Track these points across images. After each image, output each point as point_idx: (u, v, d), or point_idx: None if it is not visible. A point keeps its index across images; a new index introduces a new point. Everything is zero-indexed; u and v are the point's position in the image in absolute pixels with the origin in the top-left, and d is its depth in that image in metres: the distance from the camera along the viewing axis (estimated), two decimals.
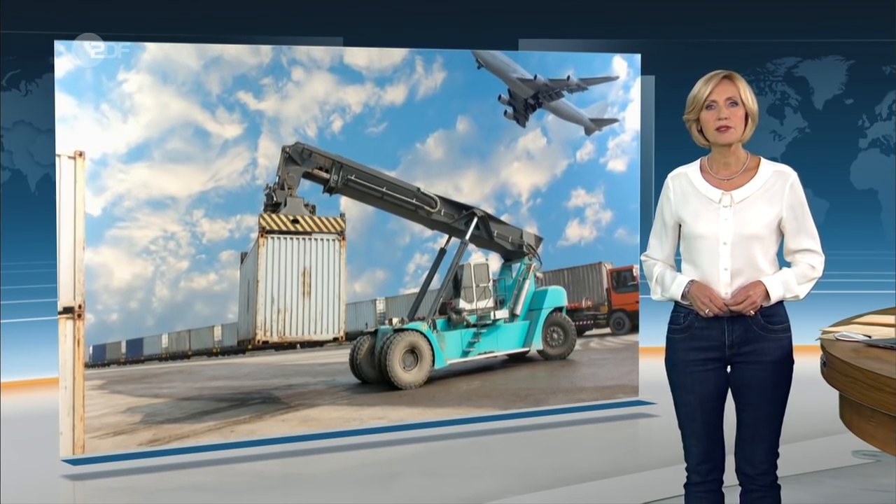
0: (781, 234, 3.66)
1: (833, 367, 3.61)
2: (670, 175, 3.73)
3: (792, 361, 3.65)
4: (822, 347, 3.76)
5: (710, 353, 3.62)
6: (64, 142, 5.66)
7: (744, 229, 3.57)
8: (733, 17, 10.71)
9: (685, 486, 3.77)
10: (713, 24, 10.74)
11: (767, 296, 3.56)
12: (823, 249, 3.67)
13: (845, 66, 11.27)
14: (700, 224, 3.62)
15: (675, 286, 3.64)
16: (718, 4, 10.69)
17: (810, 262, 3.62)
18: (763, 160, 3.65)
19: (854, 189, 11.28)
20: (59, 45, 5.64)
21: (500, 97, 6.67)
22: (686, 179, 3.68)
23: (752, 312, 3.56)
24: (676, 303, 3.68)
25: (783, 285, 3.58)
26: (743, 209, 3.58)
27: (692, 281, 3.62)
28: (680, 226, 3.71)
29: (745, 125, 3.60)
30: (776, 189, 3.59)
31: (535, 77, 6.73)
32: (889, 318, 4.04)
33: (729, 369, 3.66)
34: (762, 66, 11.01)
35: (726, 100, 3.57)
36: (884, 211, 11.18)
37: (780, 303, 3.62)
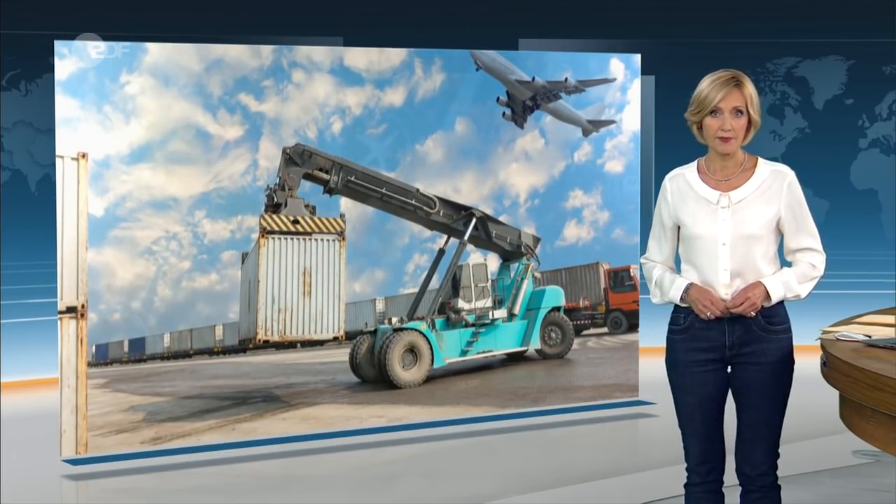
0: (781, 234, 3.65)
1: (833, 367, 3.61)
2: (668, 176, 3.73)
3: (792, 362, 3.65)
4: (822, 347, 3.77)
5: (711, 353, 3.63)
6: (65, 143, 5.66)
7: (742, 230, 3.57)
8: (733, 17, 10.71)
9: (685, 486, 3.78)
10: (713, 24, 10.74)
11: (768, 296, 3.57)
12: (824, 248, 3.67)
13: (845, 66, 11.27)
14: (698, 225, 3.61)
15: (674, 290, 3.64)
16: (718, 4, 10.70)
17: (811, 260, 3.62)
18: (760, 160, 3.65)
19: (854, 189, 11.29)
20: (59, 46, 5.65)
21: (498, 99, 6.68)
22: (683, 180, 3.67)
23: (753, 314, 3.56)
24: (676, 303, 3.69)
25: (783, 285, 3.58)
26: (741, 210, 3.58)
27: (691, 284, 3.62)
28: (679, 227, 3.71)
29: (747, 132, 3.60)
30: (774, 189, 3.58)
31: (534, 79, 6.74)
32: (889, 318, 4.05)
33: (729, 370, 3.67)
34: (762, 66, 11.01)
35: (733, 109, 3.54)
36: (884, 211, 11.18)
37: (781, 303, 3.62)
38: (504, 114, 6.70)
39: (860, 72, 11.27)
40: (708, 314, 3.56)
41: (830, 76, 11.26)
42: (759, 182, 3.59)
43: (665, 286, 3.68)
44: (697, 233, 3.61)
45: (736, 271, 3.58)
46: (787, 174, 3.60)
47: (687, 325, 3.64)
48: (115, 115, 5.77)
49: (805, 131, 11.33)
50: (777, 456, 3.66)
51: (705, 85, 3.57)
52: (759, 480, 3.64)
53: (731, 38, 10.53)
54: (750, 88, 3.58)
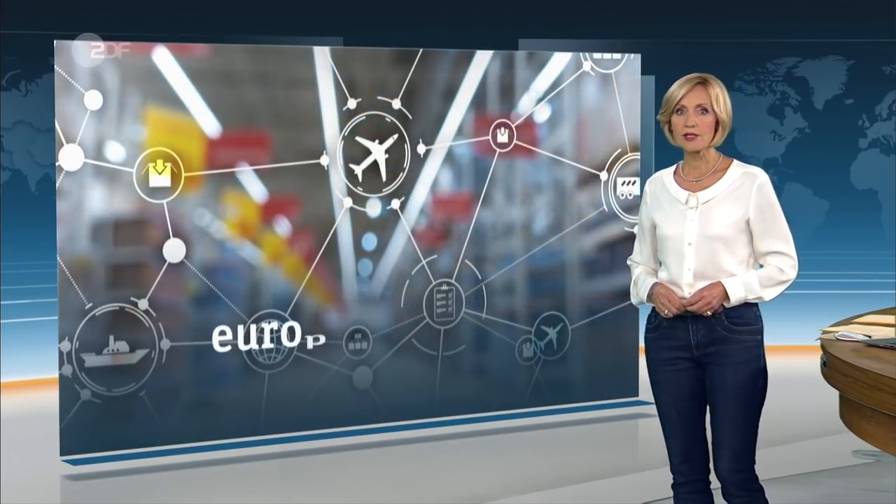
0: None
1: (833, 367, 3.62)
2: (648, 180, 3.81)
3: (760, 364, 3.61)
4: (822, 347, 3.78)
5: (680, 352, 3.67)
6: (65, 143, 5.67)
7: (707, 230, 3.60)
8: (733, 17, 10.70)
9: (672, 486, 3.78)
10: (713, 24, 10.73)
11: (727, 296, 3.56)
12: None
13: (845, 66, 11.26)
14: (669, 226, 3.68)
15: (643, 289, 3.73)
16: (718, 4, 10.69)
17: (779, 264, 3.62)
18: (735, 162, 3.68)
19: (854, 189, 11.27)
20: (59, 46, 5.65)
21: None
22: (660, 183, 3.74)
23: (709, 313, 3.58)
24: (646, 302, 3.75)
25: (744, 287, 3.58)
26: (707, 210, 3.62)
27: (657, 283, 3.68)
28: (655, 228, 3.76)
29: (716, 132, 3.63)
30: (743, 190, 3.60)
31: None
32: (889, 318, 4.06)
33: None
34: (762, 66, 11.00)
35: (696, 107, 3.61)
36: (884, 211, 11.17)
37: (749, 304, 3.62)
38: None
39: (860, 72, 11.26)
40: (666, 312, 3.61)
41: (830, 76, 11.25)
42: (729, 183, 3.62)
43: (639, 286, 3.74)
44: (667, 233, 3.66)
45: (700, 271, 3.61)
46: (757, 176, 3.62)
47: (657, 323, 3.70)
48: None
49: (805, 131, 11.32)
50: (750, 461, 3.62)
51: (673, 85, 3.65)
52: (732, 485, 3.63)
53: (731, 38, 10.52)
54: (717, 89, 3.63)
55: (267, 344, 6.10)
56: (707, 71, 3.68)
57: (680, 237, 3.64)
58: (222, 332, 6.00)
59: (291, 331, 6.16)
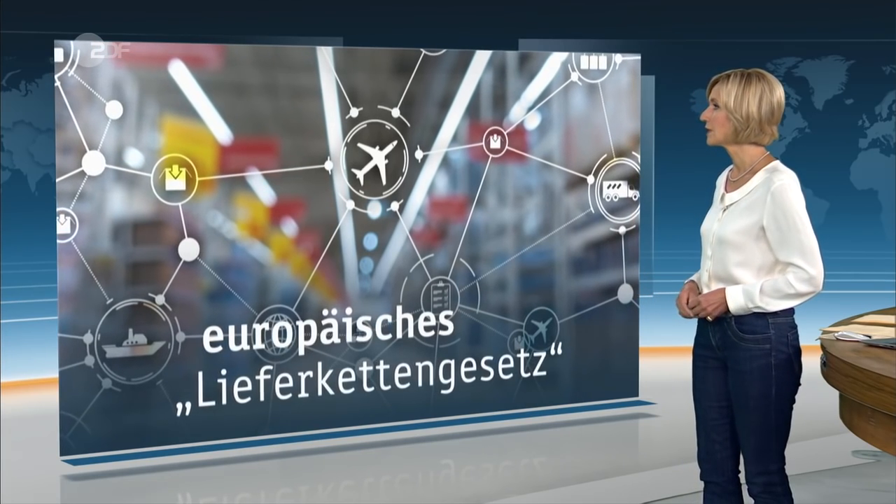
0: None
1: (833, 367, 3.62)
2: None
3: (769, 374, 3.52)
4: (822, 347, 3.77)
5: (708, 350, 3.66)
6: (65, 143, 5.69)
7: (721, 234, 3.56)
8: (733, 17, 10.72)
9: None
10: (713, 24, 10.75)
11: (726, 304, 3.52)
12: (824, 264, 3.51)
13: (845, 66, 11.28)
14: (704, 222, 3.67)
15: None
16: (718, 4, 10.71)
17: (791, 277, 3.48)
18: (770, 165, 3.57)
19: (854, 189, 11.29)
20: (59, 45, 5.67)
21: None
22: (721, 177, 3.72)
23: (710, 318, 3.56)
24: None
25: (745, 296, 3.50)
26: (728, 214, 3.57)
27: (689, 280, 3.68)
28: None
29: (737, 130, 3.56)
30: (758, 196, 3.51)
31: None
32: (889, 318, 4.05)
33: None
34: (762, 67, 11.01)
35: (711, 101, 3.60)
36: (884, 211, 11.19)
37: (761, 315, 3.52)
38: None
39: (860, 72, 11.28)
40: (679, 312, 3.64)
41: (830, 76, 11.27)
42: (751, 188, 3.55)
43: None
44: (701, 229, 3.66)
45: (715, 274, 3.58)
46: (774, 182, 3.49)
47: (698, 319, 3.67)
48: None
49: (805, 131, 11.33)
50: (770, 464, 3.58)
51: None
52: (753, 485, 3.62)
53: (731, 38, 10.53)
54: (730, 84, 3.55)
55: (274, 338, 6.23)
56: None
57: (707, 236, 3.62)
58: (213, 333, 6.07)
59: (297, 325, 6.27)
